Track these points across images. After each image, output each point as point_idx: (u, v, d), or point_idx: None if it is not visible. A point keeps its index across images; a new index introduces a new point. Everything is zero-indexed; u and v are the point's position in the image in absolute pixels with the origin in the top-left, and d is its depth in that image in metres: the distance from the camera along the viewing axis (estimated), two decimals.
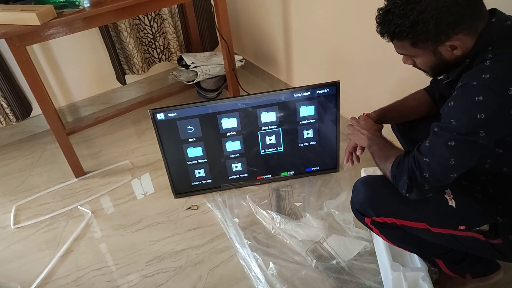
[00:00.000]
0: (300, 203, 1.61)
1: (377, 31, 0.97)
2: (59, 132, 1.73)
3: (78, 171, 1.87)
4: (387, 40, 0.96)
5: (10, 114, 2.02)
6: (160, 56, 2.35)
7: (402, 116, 1.26)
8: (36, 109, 2.14)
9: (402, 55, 1.01)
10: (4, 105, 1.98)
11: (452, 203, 1.00)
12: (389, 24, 0.91)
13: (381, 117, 1.24)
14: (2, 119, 2.01)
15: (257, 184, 1.73)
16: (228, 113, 1.55)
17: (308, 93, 1.55)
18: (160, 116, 1.51)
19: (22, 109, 2.05)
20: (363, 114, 1.25)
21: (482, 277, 1.20)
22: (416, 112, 1.24)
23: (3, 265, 1.50)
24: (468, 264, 1.15)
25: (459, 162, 0.89)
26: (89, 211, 1.69)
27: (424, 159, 0.92)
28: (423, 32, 0.87)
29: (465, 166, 0.90)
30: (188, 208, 1.66)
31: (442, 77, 1.13)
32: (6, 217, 1.71)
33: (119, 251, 1.51)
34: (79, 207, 1.72)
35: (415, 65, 1.01)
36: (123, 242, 1.54)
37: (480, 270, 1.19)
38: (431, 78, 1.20)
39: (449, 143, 0.88)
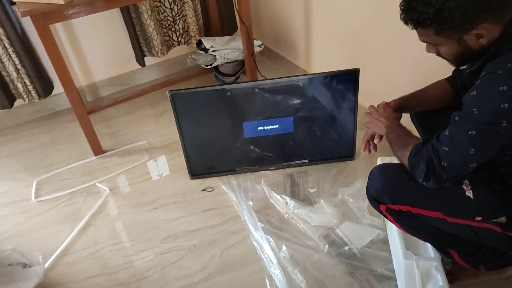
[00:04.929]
0: (314, 190, 1.61)
1: (400, 19, 0.95)
2: (80, 111, 1.76)
3: (97, 150, 1.91)
4: (410, 27, 0.95)
5: (32, 91, 2.06)
6: (179, 39, 2.36)
7: (422, 105, 1.25)
8: (58, 88, 2.19)
9: (425, 44, 1.00)
10: (27, 82, 2.02)
11: (469, 193, 1.00)
12: (413, 11, 0.90)
13: (400, 105, 1.23)
14: (25, 96, 2.06)
15: (272, 169, 1.74)
16: (248, 95, 1.55)
17: (327, 79, 1.54)
18: (179, 97, 1.53)
19: (44, 87, 2.10)
20: (382, 102, 1.24)
21: (496, 269, 1.20)
22: (436, 102, 1.23)
23: (25, 235, 1.56)
24: (483, 256, 1.14)
25: (479, 152, 0.88)
26: (107, 188, 1.73)
27: (443, 148, 0.92)
28: (448, 20, 0.86)
29: (485, 157, 0.89)
30: (203, 190, 1.68)
31: (465, 66, 1.12)
32: (28, 191, 1.76)
33: (135, 228, 1.55)
34: (97, 184, 1.76)
35: (438, 54, 1.00)
36: (139, 220, 1.58)
37: (494, 262, 1.18)
38: (454, 68, 1.19)
39: (469, 132, 0.87)
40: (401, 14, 0.93)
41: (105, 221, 1.60)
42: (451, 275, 1.23)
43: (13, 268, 1.31)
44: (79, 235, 1.55)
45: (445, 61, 1.05)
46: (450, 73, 1.22)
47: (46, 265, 1.41)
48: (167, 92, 1.50)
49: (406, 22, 0.93)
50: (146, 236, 1.52)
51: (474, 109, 0.86)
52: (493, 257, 1.16)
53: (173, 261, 1.42)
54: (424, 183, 0.97)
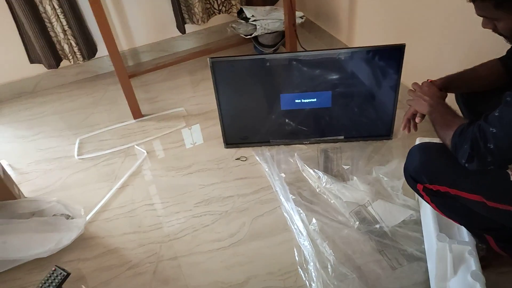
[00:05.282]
0: (348, 166, 1.60)
1: None
2: (122, 74, 1.81)
3: (136, 113, 1.96)
4: (468, 0, 0.90)
5: (77, 53, 2.13)
6: (220, 8, 2.35)
7: (470, 85, 1.20)
8: (101, 51, 2.24)
9: (482, 18, 0.95)
10: (73, 44, 2.09)
11: None
12: None
13: (446, 84, 1.18)
14: (70, 57, 2.13)
15: (306, 143, 1.74)
16: (288, 66, 1.54)
17: (370, 54, 1.50)
18: (219, 65, 1.53)
19: (89, 49, 2.16)
20: (427, 80, 1.20)
21: None
22: (485, 83, 1.17)
23: (68, 190, 1.65)
24: None
25: None
26: (144, 151, 1.79)
27: (490, 129, 0.88)
28: None
29: None
30: (237, 159, 1.71)
31: None
32: (71, 148, 1.85)
33: (170, 190, 1.61)
34: (135, 146, 1.82)
35: (495, 30, 0.95)
36: (174, 183, 1.63)
37: None
38: (508, 48, 1.12)
39: None
40: None
41: (141, 182, 1.66)
42: (484, 261, 1.20)
43: (57, 218, 1.40)
44: (117, 193, 1.62)
45: (498, 39, 1.00)
46: (502, 53, 1.16)
47: (87, 218, 1.50)
48: (208, 59, 1.51)
49: None
50: (180, 199, 1.57)
51: None
52: None
53: (205, 224, 1.46)
54: (466, 165, 0.94)
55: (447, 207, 1.10)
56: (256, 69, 1.56)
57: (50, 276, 0.95)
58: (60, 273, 0.96)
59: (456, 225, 1.23)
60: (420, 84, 1.19)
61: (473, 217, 1.08)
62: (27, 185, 1.69)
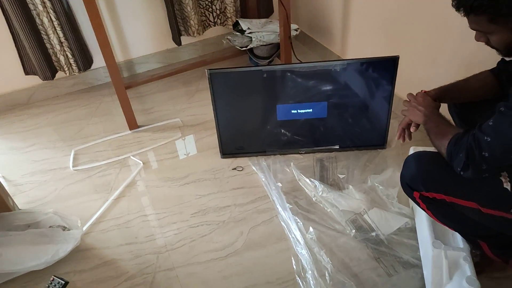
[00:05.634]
0: (344, 175, 1.62)
1: (452, 5, 0.94)
2: (119, 85, 1.82)
3: (132, 124, 1.97)
4: (462, 14, 0.94)
5: (73, 64, 2.13)
6: (215, 20, 2.38)
7: (463, 96, 1.23)
8: (96, 63, 2.25)
9: (474, 32, 0.98)
10: (69, 55, 2.09)
11: (507, 186, 0.99)
12: None
13: (440, 95, 1.21)
14: (66, 69, 2.13)
15: (301, 153, 1.75)
16: (284, 78, 1.56)
17: (365, 66, 1.53)
18: (217, 77, 1.55)
19: (84, 61, 2.16)
20: (422, 91, 1.23)
21: None
22: (478, 94, 1.21)
23: (63, 201, 1.64)
24: None
25: None
26: (140, 162, 1.79)
27: (485, 138, 0.91)
28: (505, 7, 0.84)
29: None
30: (233, 169, 1.72)
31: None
32: (66, 160, 1.84)
33: (166, 201, 1.61)
34: (131, 157, 1.82)
35: (487, 43, 0.98)
36: (171, 193, 1.63)
37: None
38: (498, 60, 1.16)
39: None
40: (453, 0, 0.92)
41: (137, 193, 1.66)
42: (478, 267, 1.21)
43: (53, 230, 1.39)
44: (113, 204, 1.61)
45: (490, 52, 1.03)
46: (493, 65, 1.20)
47: (83, 230, 1.48)
48: (206, 70, 1.53)
49: (458, 9, 0.92)
50: (176, 209, 1.57)
51: None
52: None
53: (202, 234, 1.46)
54: (462, 173, 0.97)
55: (443, 214, 1.12)
56: (253, 81, 1.58)
57: (48, 287, 0.94)
58: (59, 282, 0.95)
59: (451, 232, 1.25)
60: (415, 94, 1.22)
61: (468, 224, 1.10)
62: (22, 196, 1.67)
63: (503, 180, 0.99)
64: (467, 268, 1.13)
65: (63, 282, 0.96)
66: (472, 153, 0.93)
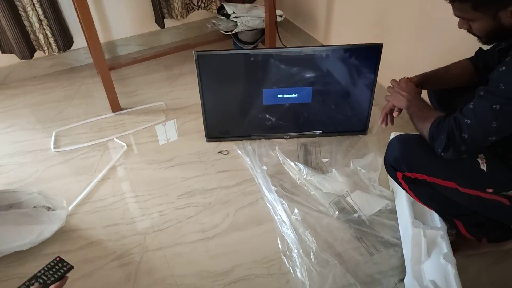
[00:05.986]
0: (327, 159, 1.67)
1: None
2: (102, 65, 1.79)
3: (115, 106, 1.94)
4: (447, 1, 0.98)
5: (53, 44, 2.07)
6: (199, 4, 2.36)
7: (443, 83, 1.29)
8: (77, 43, 2.20)
9: (457, 20, 1.03)
10: (49, 34, 2.03)
11: (483, 167, 1.05)
12: None
13: (422, 81, 1.26)
14: (45, 48, 2.07)
15: (286, 138, 1.79)
16: (269, 62, 1.58)
17: (349, 52, 1.57)
18: (204, 59, 1.55)
19: (65, 41, 2.10)
20: (404, 77, 1.28)
21: (497, 242, 1.27)
22: (457, 81, 1.27)
23: (45, 183, 1.61)
24: (488, 228, 1.21)
25: (500, 126, 0.93)
26: (124, 144, 1.77)
27: (465, 120, 0.96)
28: None
29: (506, 131, 0.94)
30: (219, 152, 1.73)
31: (489, 48, 1.15)
32: (47, 141, 1.81)
33: (151, 183, 1.61)
34: (115, 139, 1.80)
35: (469, 30, 1.03)
36: (156, 176, 1.64)
37: (497, 235, 1.25)
38: (476, 50, 1.22)
39: (494, 106, 0.91)
40: None
41: (122, 175, 1.65)
42: (453, 245, 1.29)
43: (38, 210, 1.37)
44: (97, 186, 1.60)
45: (467, 41, 1.08)
46: (472, 53, 1.26)
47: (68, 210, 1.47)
48: (193, 52, 1.52)
49: None
50: (162, 191, 1.57)
51: (501, 84, 0.90)
52: (496, 230, 1.23)
53: (189, 216, 1.48)
54: (442, 154, 1.02)
55: (423, 194, 1.18)
56: (240, 64, 1.59)
57: (54, 266, 0.92)
58: (65, 265, 0.93)
59: (429, 212, 1.32)
60: (398, 80, 1.26)
61: (446, 204, 1.16)
62: (1, 178, 1.63)
63: (480, 161, 1.06)
64: (444, 246, 1.19)
65: (69, 266, 0.93)
66: (453, 135, 0.98)
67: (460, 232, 1.26)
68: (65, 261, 0.94)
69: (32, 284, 0.88)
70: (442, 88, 1.31)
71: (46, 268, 0.92)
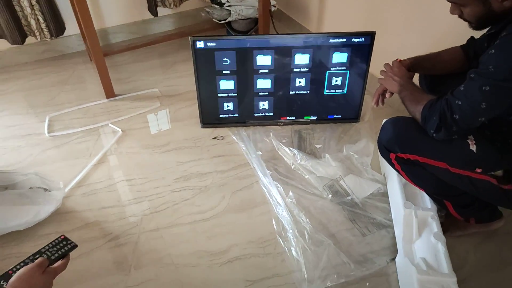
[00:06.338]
0: (320, 146, 1.70)
1: None
2: (97, 51, 1.79)
3: (109, 92, 1.94)
4: None
5: (45, 29, 2.06)
6: None
7: (434, 68, 1.33)
8: (69, 30, 2.19)
9: (448, 7, 1.07)
10: (41, 19, 2.02)
11: (473, 147, 1.09)
12: None
13: (414, 65, 1.30)
14: (37, 34, 2.05)
15: (280, 124, 1.81)
16: (264, 50, 1.60)
17: (344, 40, 1.60)
18: (200, 44, 1.57)
19: (57, 27, 2.09)
20: (397, 59, 1.31)
21: (484, 223, 1.32)
22: (448, 66, 1.31)
23: (40, 166, 1.60)
24: (475, 208, 1.25)
25: (489, 107, 0.97)
26: (119, 129, 1.78)
27: (456, 101, 1.00)
28: None
29: (495, 112, 0.99)
30: (214, 138, 1.75)
31: (480, 36, 1.20)
32: (41, 126, 1.80)
33: (148, 167, 1.62)
34: (110, 124, 1.81)
35: (461, 16, 1.07)
36: (152, 160, 1.65)
37: (484, 216, 1.30)
38: (469, 37, 1.27)
39: (483, 87, 0.95)
40: None
41: (118, 159, 1.66)
42: (443, 227, 1.34)
43: (34, 191, 1.37)
44: (92, 170, 1.61)
45: (457, 29, 1.12)
46: (462, 42, 1.30)
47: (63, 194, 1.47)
48: (189, 37, 1.53)
49: None
50: (159, 175, 1.59)
51: (490, 66, 0.95)
52: (484, 211, 1.28)
53: (185, 198, 1.50)
54: (434, 135, 1.06)
55: (415, 174, 1.22)
56: (235, 51, 1.61)
57: (58, 243, 0.93)
58: (70, 243, 0.93)
59: (420, 194, 1.37)
60: (391, 64, 1.30)
61: (437, 184, 1.20)
62: None
63: (470, 142, 1.10)
64: (434, 226, 1.24)
65: (73, 244, 0.94)
66: (445, 116, 1.02)
67: (449, 213, 1.30)
68: (70, 239, 0.95)
69: (36, 259, 0.89)
70: (433, 73, 1.36)
71: (50, 245, 0.92)
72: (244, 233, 1.38)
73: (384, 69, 1.31)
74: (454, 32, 1.34)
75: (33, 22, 2.02)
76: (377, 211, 1.44)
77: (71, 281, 1.23)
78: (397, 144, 1.16)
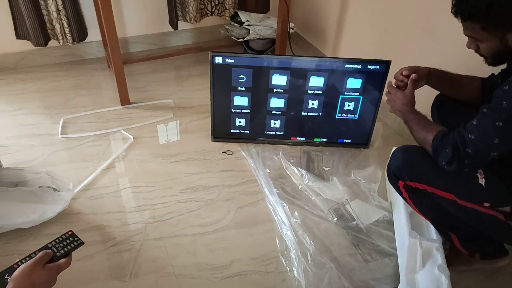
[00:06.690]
0: (329, 168, 1.71)
1: (451, 11, 1.04)
2: (117, 59, 1.83)
3: (125, 99, 1.98)
4: (459, 20, 1.04)
5: (68, 34, 2.12)
6: (213, 10, 2.43)
7: (450, 86, 1.31)
8: (91, 36, 2.25)
9: (466, 39, 1.09)
10: (65, 24, 2.08)
11: (482, 181, 1.10)
12: (466, 4, 0.99)
13: (433, 74, 1.27)
14: (60, 38, 2.11)
15: (290, 144, 1.83)
16: (281, 70, 1.63)
17: (359, 66, 1.63)
18: (218, 60, 1.60)
19: (80, 32, 2.15)
20: (402, 69, 1.26)
21: (490, 259, 1.30)
22: (464, 92, 1.30)
23: (50, 166, 1.62)
24: (481, 243, 1.25)
25: (502, 142, 0.97)
26: (131, 136, 1.80)
27: (469, 135, 1.01)
28: (497, 15, 0.95)
29: (507, 147, 0.99)
30: (223, 152, 1.77)
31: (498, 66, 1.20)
32: (55, 127, 1.83)
33: (156, 175, 1.63)
34: (122, 131, 1.83)
35: (477, 51, 1.09)
36: (161, 169, 1.66)
37: (490, 252, 1.29)
38: (490, 71, 1.27)
39: (497, 123, 0.96)
40: (452, 7, 1.02)
41: (127, 165, 1.68)
42: (447, 260, 1.33)
43: (44, 189, 1.38)
44: (102, 174, 1.62)
45: (475, 63, 1.14)
46: (479, 75, 1.31)
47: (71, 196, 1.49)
48: (209, 52, 1.57)
49: (456, 15, 1.02)
50: (166, 184, 1.60)
51: (504, 102, 0.96)
52: (490, 246, 1.27)
53: (191, 210, 1.50)
54: (446, 167, 1.06)
55: (422, 204, 1.22)
56: (252, 69, 1.64)
57: (65, 239, 0.93)
58: (77, 239, 0.94)
59: (425, 224, 1.36)
60: (394, 85, 1.28)
61: (443, 215, 1.20)
62: (6, 157, 1.65)
63: (479, 176, 1.10)
64: (439, 258, 1.23)
65: (81, 241, 0.94)
66: (457, 149, 1.02)
67: (454, 246, 1.29)
68: (77, 236, 0.96)
69: None
70: (446, 93, 1.34)
71: (57, 240, 0.93)
72: (247, 249, 1.38)
73: (389, 91, 1.29)
74: (468, 68, 1.36)
75: (57, 26, 2.08)
76: (382, 239, 1.43)
77: (70, 282, 1.23)
78: (407, 172, 1.16)
